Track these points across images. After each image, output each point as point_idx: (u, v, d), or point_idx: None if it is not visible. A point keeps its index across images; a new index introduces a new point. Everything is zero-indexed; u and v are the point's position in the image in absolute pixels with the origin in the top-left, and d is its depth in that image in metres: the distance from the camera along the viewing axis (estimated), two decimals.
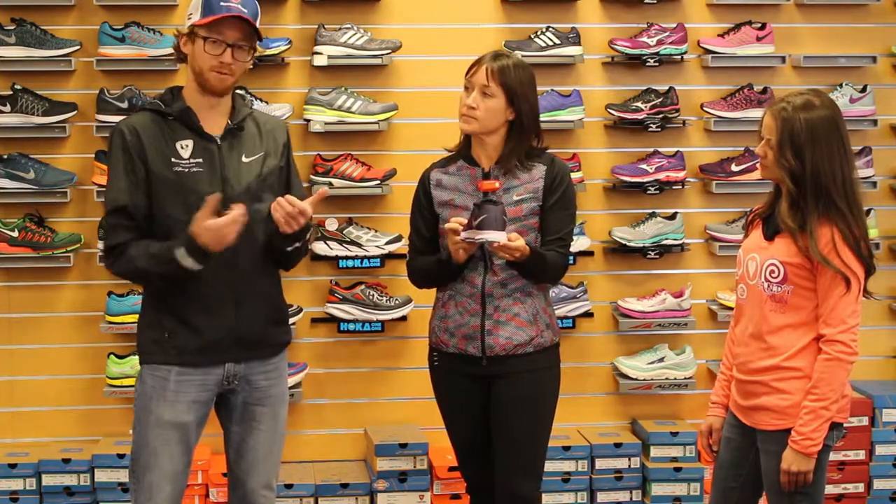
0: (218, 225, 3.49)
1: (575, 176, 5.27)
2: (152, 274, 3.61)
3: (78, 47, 5.32)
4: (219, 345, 3.68)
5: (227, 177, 3.66)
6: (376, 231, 5.49)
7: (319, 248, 5.44)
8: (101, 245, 3.75)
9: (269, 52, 5.36)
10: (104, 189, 3.77)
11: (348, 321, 5.47)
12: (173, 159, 3.64)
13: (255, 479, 3.81)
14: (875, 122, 5.72)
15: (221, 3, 3.62)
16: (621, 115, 5.56)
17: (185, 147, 3.66)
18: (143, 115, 3.72)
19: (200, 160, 3.65)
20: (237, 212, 3.52)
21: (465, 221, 3.83)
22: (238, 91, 3.84)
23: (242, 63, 3.68)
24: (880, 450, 5.58)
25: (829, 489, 5.44)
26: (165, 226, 3.63)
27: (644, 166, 5.59)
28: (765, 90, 5.62)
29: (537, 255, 3.92)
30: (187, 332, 3.66)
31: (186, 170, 3.64)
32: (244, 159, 3.72)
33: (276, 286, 3.88)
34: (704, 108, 5.63)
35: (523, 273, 3.99)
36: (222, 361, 3.71)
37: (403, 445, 5.36)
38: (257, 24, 3.67)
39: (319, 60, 5.40)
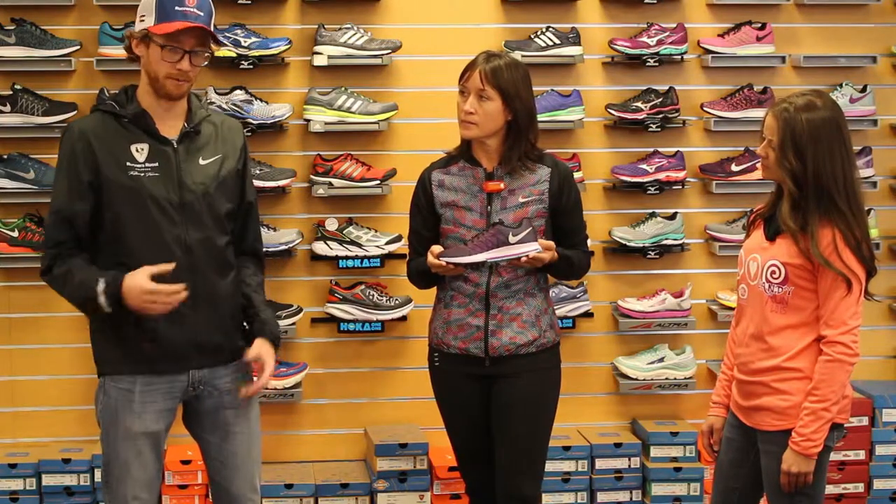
0: (154, 290, 3.46)
1: (575, 176, 5.24)
2: (71, 302, 3.59)
3: (78, 47, 5.31)
4: (181, 352, 3.62)
5: (183, 181, 3.60)
6: (376, 231, 5.48)
7: (319, 248, 5.44)
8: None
9: (269, 52, 5.36)
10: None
11: (348, 321, 5.47)
12: (128, 163, 3.56)
13: (238, 484, 3.78)
14: (875, 122, 5.72)
15: (177, 9, 3.54)
16: (621, 115, 5.56)
17: (141, 151, 3.58)
18: (96, 116, 3.64)
19: (156, 164, 3.58)
20: (179, 294, 3.49)
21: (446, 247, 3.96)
22: (194, 91, 3.75)
23: (198, 68, 3.61)
24: (880, 450, 5.59)
25: (829, 489, 5.44)
26: (117, 230, 3.57)
27: (644, 166, 5.58)
28: (765, 90, 5.62)
29: (564, 258, 4.02)
30: (148, 340, 3.60)
31: (142, 174, 3.56)
32: (201, 161, 3.66)
33: (236, 290, 3.81)
34: (704, 108, 5.63)
35: (554, 274, 4.10)
36: (186, 369, 3.66)
37: (403, 445, 5.36)
38: (212, 28, 3.58)
39: (319, 60, 5.40)
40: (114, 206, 3.56)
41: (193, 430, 3.81)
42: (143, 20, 3.57)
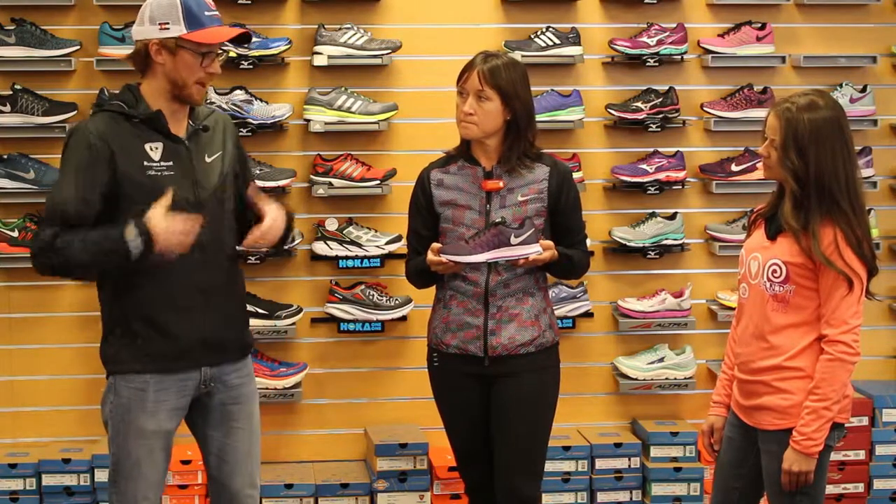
0: (177, 224, 3.41)
1: (575, 176, 5.25)
2: (85, 265, 3.45)
3: (78, 47, 5.31)
4: (193, 349, 3.63)
5: (198, 179, 3.62)
6: (376, 231, 5.48)
7: (319, 248, 5.43)
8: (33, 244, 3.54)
9: (269, 52, 5.36)
10: (50, 188, 3.60)
11: (348, 321, 5.47)
12: (145, 162, 3.56)
13: (238, 480, 3.79)
14: (875, 122, 5.72)
15: (207, 14, 3.57)
16: (621, 115, 5.56)
17: (156, 149, 3.58)
18: (104, 116, 3.60)
19: (171, 163, 3.59)
20: (196, 221, 3.45)
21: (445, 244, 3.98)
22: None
23: None
24: (880, 450, 5.59)
25: (829, 489, 5.44)
26: None
27: (644, 166, 5.58)
28: (765, 90, 5.62)
29: (564, 258, 4.03)
30: (161, 337, 3.60)
31: (159, 173, 3.56)
32: (207, 159, 3.68)
33: (243, 287, 3.84)
34: (704, 108, 5.63)
35: (553, 273, 4.10)
36: (198, 366, 3.66)
37: (403, 445, 5.36)
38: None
39: (319, 60, 5.40)
40: (132, 204, 3.51)
41: (197, 426, 3.81)
42: (166, 28, 3.54)
